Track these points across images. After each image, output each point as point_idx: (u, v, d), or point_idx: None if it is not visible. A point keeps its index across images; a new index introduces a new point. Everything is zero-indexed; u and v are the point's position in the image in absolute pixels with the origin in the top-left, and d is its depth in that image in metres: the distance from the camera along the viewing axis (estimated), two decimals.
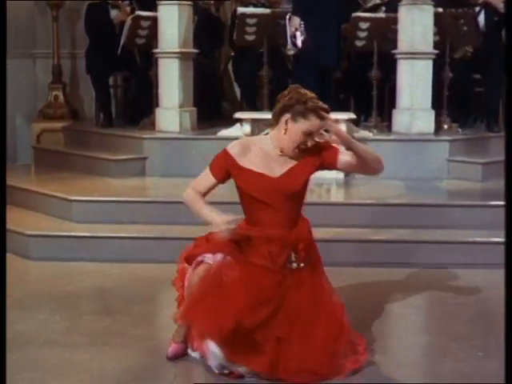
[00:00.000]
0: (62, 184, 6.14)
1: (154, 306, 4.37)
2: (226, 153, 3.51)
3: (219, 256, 3.38)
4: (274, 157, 3.48)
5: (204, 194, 3.56)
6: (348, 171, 3.52)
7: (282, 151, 3.46)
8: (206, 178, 3.56)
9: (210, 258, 3.38)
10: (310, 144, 3.41)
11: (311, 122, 3.37)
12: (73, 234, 5.33)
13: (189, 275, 3.45)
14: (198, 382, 3.24)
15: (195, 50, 6.77)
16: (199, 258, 3.41)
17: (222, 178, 3.54)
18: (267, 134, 3.76)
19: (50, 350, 3.60)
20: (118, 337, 3.81)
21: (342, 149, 3.48)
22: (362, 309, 4.05)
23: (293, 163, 3.48)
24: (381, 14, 6.99)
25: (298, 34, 6.40)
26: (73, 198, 5.61)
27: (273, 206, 3.45)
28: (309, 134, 3.39)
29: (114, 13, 7.30)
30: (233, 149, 3.50)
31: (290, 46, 6.51)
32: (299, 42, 6.40)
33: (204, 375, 3.36)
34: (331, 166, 3.54)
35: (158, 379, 3.34)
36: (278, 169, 3.47)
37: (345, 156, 3.48)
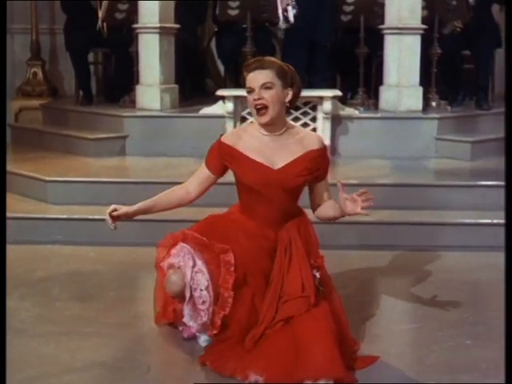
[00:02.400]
0: (39, 164, 5.96)
1: (131, 292, 4.20)
2: (220, 142, 3.39)
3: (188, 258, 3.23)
4: (265, 141, 3.33)
5: (198, 191, 3.44)
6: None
7: (264, 128, 3.33)
8: (200, 170, 3.45)
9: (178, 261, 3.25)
10: (257, 96, 3.23)
11: (247, 79, 3.27)
12: (48, 215, 5.15)
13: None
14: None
15: (177, 25, 6.59)
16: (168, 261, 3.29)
17: (217, 170, 3.41)
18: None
19: (18, 339, 3.42)
20: (91, 325, 3.64)
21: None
22: (346, 293, 3.90)
23: (290, 151, 3.31)
24: None
25: (290, 8, 6.26)
26: (48, 178, 5.43)
27: (268, 198, 3.32)
28: (251, 91, 3.26)
29: None
30: (227, 137, 3.39)
31: (281, 20, 6.36)
32: (291, 17, 6.26)
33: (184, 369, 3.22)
34: (314, 181, 3.43)
35: (131, 371, 3.17)
36: (275, 157, 3.31)
37: (322, 187, 3.44)
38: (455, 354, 3.33)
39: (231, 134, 3.44)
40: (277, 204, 3.34)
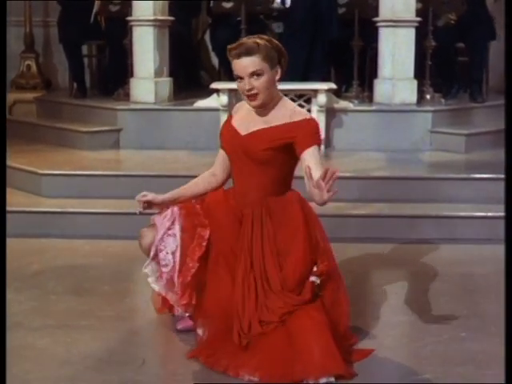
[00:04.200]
0: (33, 157, 5.95)
1: (126, 286, 4.20)
2: (229, 116, 3.45)
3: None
4: (252, 113, 3.29)
5: (223, 172, 3.42)
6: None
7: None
8: (219, 152, 3.45)
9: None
10: (248, 87, 3.14)
11: (234, 65, 3.18)
12: (42, 209, 5.15)
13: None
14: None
15: (171, 18, 6.58)
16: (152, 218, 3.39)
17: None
18: None
19: (12, 333, 3.40)
20: (86, 318, 3.64)
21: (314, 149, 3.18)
22: None
23: (266, 121, 3.24)
24: None
25: None
26: (42, 171, 5.43)
27: (238, 166, 3.30)
28: (240, 78, 3.17)
29: None
30: (234, 110, 3.44)
31: (277, 1, 6.35)
32: (288, 1, 6.25)
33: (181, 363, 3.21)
34: (295, 150, 3.19)
35: (126, 364, 3.16)
36: (249, 125, 3.27)
37: (308, 157, 3.13)
38: (450, 346, 3.33)
39: (236, 107, 3.45)
40: (246, 175, 3.25)
